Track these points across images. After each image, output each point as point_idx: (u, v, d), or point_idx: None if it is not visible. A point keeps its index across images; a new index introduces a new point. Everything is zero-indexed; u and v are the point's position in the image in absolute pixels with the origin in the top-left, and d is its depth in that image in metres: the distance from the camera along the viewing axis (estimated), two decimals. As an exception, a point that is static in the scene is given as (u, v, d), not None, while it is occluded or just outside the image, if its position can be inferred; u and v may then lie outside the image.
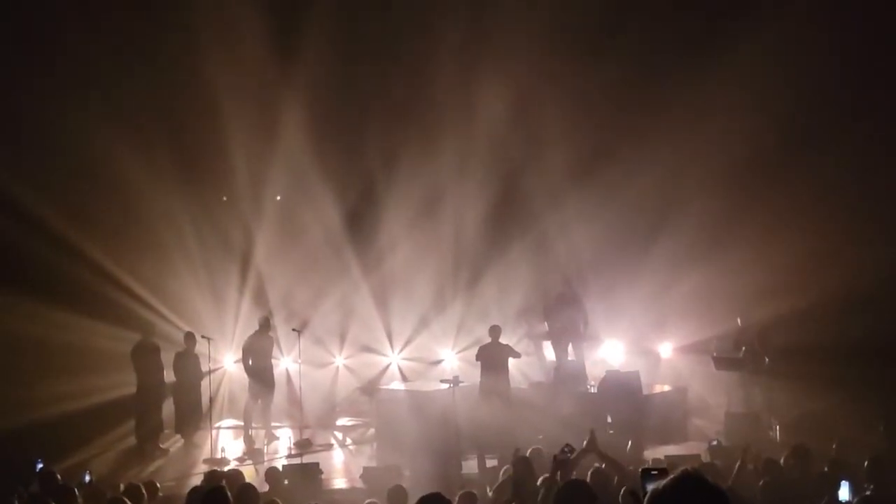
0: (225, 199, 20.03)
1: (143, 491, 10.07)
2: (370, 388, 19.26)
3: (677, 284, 18.82)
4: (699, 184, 18.06)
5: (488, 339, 16.59)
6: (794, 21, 16.71)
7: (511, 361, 16.68)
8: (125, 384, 16.93)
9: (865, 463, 9.65)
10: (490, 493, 10.41)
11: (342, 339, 20.11)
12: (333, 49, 18.05)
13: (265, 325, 17.30)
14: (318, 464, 13.99)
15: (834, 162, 17.22)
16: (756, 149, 17.70)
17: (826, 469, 10.52)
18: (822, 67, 16.99)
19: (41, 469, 11.78)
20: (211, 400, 17.39)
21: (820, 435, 13.06)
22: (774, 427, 15.52)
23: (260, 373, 17.08)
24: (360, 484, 13.64)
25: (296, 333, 17.63)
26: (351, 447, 17.20)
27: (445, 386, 15.17)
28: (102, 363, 17.70)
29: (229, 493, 8.12)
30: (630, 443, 13.07)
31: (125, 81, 18.00)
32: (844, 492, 9.33)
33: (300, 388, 17.69)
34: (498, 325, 16.84)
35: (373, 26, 18.61)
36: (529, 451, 11.37)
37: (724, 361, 17.48)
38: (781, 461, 10.70)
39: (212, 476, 11.16)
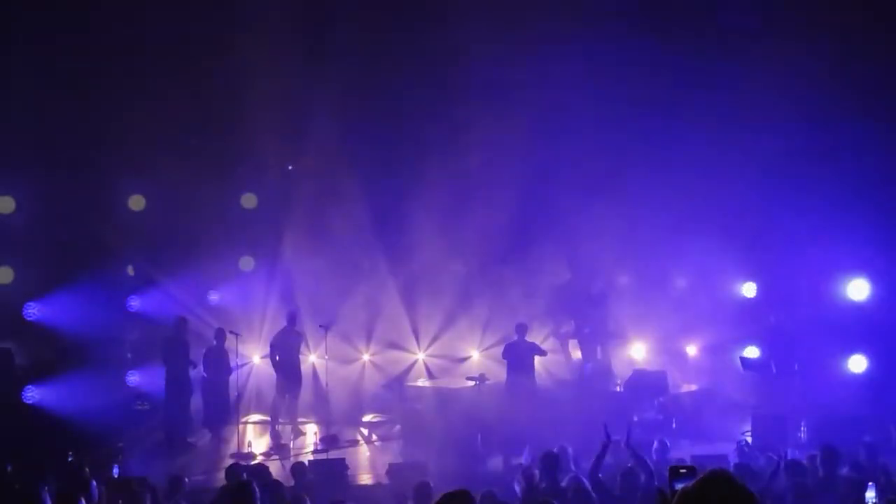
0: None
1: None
2: (396, 385, 19.30)
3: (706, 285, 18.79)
4: (730, 185, 17.97)
5: (514, 337, 16.59)
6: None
7: (537, 359, 16.68)
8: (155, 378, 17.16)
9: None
10: (518, 490, 10.43)
11: (369, 336, 20.15)
12: (362, 46, 18.06)
13: (292, 321, 17.39)
14: (343, 459, 14.07)
15: (871, 159, 17.02)
16: (790, 146, 17.57)
17: (853, 471, 10.49)
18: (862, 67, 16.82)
19: (70, 461, 11.90)
20: (239, 395, 17.49)
21: (847, 436, 13.00)
22: (802, 428, 15.45)
23: (287, 368, 17.17)
24: (385, 480, 13.68)
25: (322, 330, 17.67)
26: (377, 443, 17.24)
27: (471, 383, 15.20)
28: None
29: (256, 489, 8.18)
30: (656, 442, 13.06)
31: (157, 84, 18.06)
32: (871, 494, 9.30)
33: (326, 383, 17.74)
34: (524, 323, 16.84)
35: (402, 25, 18.56)
36: (556, 448, 11.40)
37: (751, 362, 17.42)
38: (807, 462, 10.69)
39: (233, 470, 11.22)
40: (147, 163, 17.81)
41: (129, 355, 18.10)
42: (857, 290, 17.59)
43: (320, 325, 17.84)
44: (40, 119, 16.66)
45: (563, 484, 9.79)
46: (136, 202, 18.89)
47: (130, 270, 18.53)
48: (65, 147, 17.15)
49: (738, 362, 17.57)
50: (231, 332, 17.04)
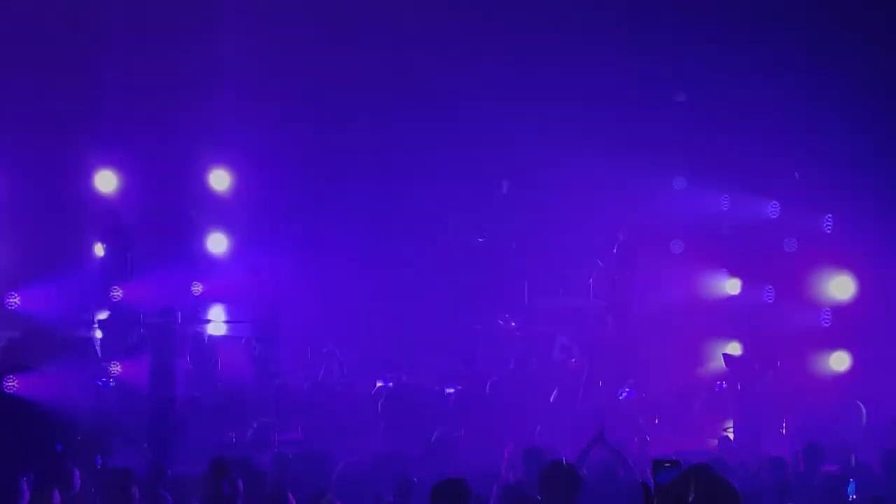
0: None
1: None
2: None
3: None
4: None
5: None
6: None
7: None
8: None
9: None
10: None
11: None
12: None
13: (274, 312, 17.42)
14: (326, 451, 14.03)
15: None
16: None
17: (835, 467, 10.56)
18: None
19: (54, 451, 11.85)
20: (223, 386, 17.44)
21: (829, 432, 13.08)
22: (783, 424, 15.53)
23: (269, 360, 17.19)
24: (367, 472, 13.64)
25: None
26: (360, 435, 17.20)
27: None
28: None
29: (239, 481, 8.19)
30: (636, 437, 13.12)
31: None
32: (851, 490, 9.39)
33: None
34: None
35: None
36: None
37: (734, 360, 17.49)
38: (788, 458, 10.75)
39: (216, 461, 11.19)
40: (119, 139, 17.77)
41: (108, 345, 18.00)
42: (841, 287, 17.72)
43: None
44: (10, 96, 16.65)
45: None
46: (107, 182, 18.73)
47: (100, 249, 18.43)
48: (36, 126, 17.10)
49: (721, 359, 17.63)
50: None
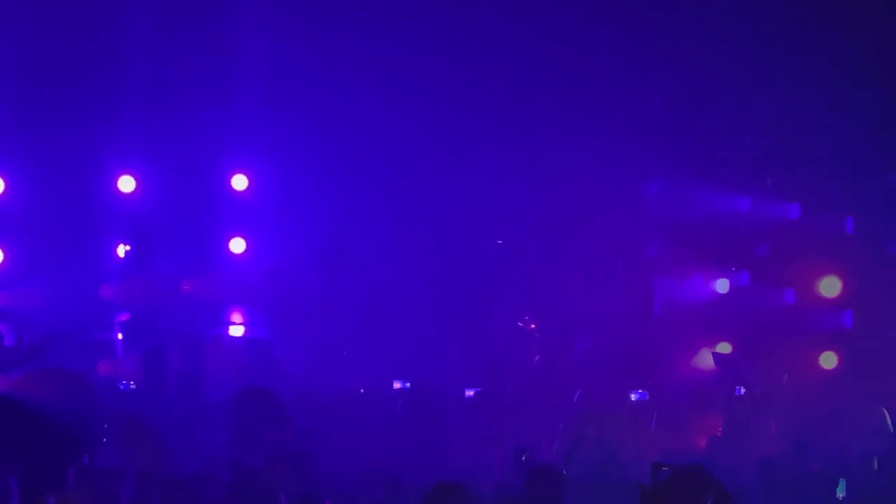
0: None
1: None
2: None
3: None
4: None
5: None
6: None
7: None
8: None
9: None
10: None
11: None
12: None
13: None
14: (317, 451, 14.03)
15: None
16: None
17: (823, 466, 10.60)
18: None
19: (45, 450, 11.80)
20: (216, 384, 17.45)
21: (820, 431, 13.14)
22: (773, 422, 15.58)
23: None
24: (358, 472, 13.65)
25: None
26: (352, 434, 17.20)
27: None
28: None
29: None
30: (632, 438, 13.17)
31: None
32: (842, 489, 9.42)
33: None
34: None
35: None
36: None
37: (722, 358, 17.55)
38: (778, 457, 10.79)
39: (210, 460, 11.20)
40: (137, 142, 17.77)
41: (103, 343, 18.01)
42: (829, 287, 17.80)
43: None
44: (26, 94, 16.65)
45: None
46: (127, 184, 18.70)
47: (121, 251, 18.41)
48: (53, 125, 17.11)
49: (711, 358, 17.68)
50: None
